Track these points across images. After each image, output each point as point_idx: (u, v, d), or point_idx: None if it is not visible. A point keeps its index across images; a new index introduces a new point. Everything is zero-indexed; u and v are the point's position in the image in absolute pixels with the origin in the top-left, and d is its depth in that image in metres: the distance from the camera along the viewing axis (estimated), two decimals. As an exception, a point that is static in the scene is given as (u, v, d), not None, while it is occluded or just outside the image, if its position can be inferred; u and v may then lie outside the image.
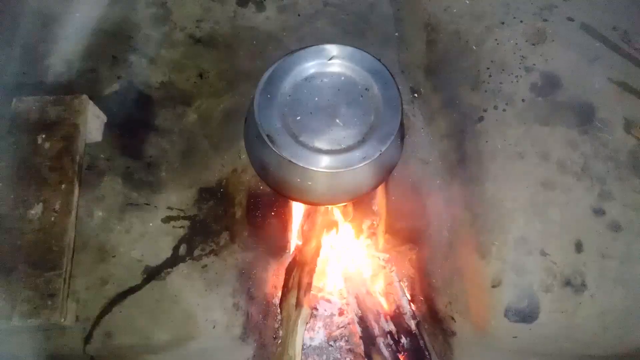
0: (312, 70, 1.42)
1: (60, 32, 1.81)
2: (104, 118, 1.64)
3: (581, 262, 1.39)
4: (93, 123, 1.59)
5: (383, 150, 1.32)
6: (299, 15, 1.92)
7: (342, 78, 1.43)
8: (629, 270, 1.39)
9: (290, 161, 1.31)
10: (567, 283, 1.37)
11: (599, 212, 1.44)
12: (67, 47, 1.78)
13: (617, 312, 1.39)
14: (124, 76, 1.74)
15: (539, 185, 1.46)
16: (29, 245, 1.35)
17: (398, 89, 1.41)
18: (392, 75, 1.43)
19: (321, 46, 1.43)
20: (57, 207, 1.39)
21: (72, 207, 1.41)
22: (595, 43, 1.68)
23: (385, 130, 1.35)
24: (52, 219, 1.38)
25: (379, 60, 1.45)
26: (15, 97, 1.53)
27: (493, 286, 1.38)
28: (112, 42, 1.80)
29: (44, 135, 1.48)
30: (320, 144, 1.34)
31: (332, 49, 1.43)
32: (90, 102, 1.56)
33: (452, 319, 1.51)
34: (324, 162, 1.31)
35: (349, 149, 1.33)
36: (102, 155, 1.61)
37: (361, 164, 1.32)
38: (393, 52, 1.88)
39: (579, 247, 1.40)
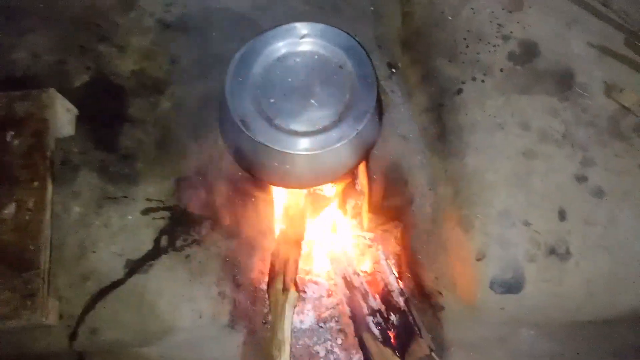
0: (283, 50, 1.39)
1: (24, 24, 1.75)
2: (75, 111, 1.60)
3: (565, 230, 1.38)
4: (64, 117, 1.54)
5: (360, 128, 1.30)
6: (270, -7, 1.86)
7: (315, 57, 1.39)
8: (613, 236, 1.39)
9: (266, 145, 1.29)
10: (552, 252, 1.37)
11: (581, 178, 1.43)
12: (32, 40, 1.72)
13: (603, 277, 1.39)
14: (93, 67, 1.69)
15: (520, 155, 1.45)
16: (5, 246, 1.31)
17: (372, 65, 1.38)
18: (366, 52, 1.40)
19: (292, 25, 1.40)
20: (30, 205, 1.36)
21: (47, 204, 1.37)
22: (572, 7, 1.66)
23: (361, 108, 1.33)
24: (27, 217, 1.35)
25: (352, 36, 1.42)
26: (-21, 94, 1.48)
27: (478, 259, 1.38)
28: (79, 32, 1.74)
29: (12, 133, 1.43)
30: (296, 126, 1.31)
31: (303, 27, 1.40)
32: (59, 95, 1.52)
33: (440, 293, 1.51)
34: (300, 145, 1.29)
35: (325, 129, 1.31)
36: (75, 150, 1.57)
37: (339, 144, 1.29)
38: (369, 27, 1.84)
39: (562, 215, 1.40)
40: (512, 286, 1.35)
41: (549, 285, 1.36)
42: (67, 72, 1.67)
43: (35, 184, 1.38)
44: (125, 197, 1.51)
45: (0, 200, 1.35)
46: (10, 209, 1.35)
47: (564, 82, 1.55)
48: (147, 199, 1.52)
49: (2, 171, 1.39)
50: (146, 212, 1.51)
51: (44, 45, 1.71)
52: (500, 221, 1.39)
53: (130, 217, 1.49)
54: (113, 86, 1.67)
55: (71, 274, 1.42)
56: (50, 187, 1.40)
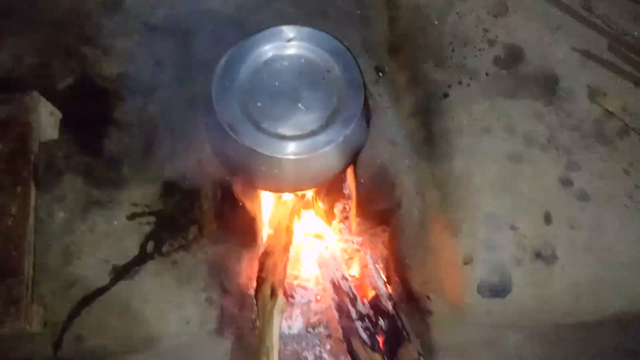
0: (270, 54, 1.38)
1: (7, 26, 1.72)
2: (58, 114, 1.57)
3: (551, 233, 1.39)
4: (47, 120, 1.52)
5: (347, 133, 1.30)
6: (257, -4, 1.85)
7: (302, 60, 1.39)
8: (598, 239, 1.41)
9: (253, 149, 1.28)
10: (538, 255, 1.38)
11: (566, 182, 1.44)
12: (15, 42, 1.69)
13: (589, 281, 1.40)
14: (77, 69, 1.67)
15: (506, 159, 1.46)
16: (-14, 253, 1.29)
17: (360, 69, 1.39)
18: (353, 56, 1.40)
19: (279, 28, 1.39)
20: (13, 211, 1.33)
21: (30, 210, 1.35)
22: (556, 12, 1.67)
23: (348, 113, 1.33)
24: (10, 223, 1.32)
25: (339, 40, 1.42)
26: (-40, 98, 1.45)
27: (465, 263, 1.38)
28: (63, 34, 1.72)
29: (-6, 137, 1.41)
30: (283, 130, 1.31)
31: (290, 30, 1.40)
32: (42, 98, 1.49)
33: (428, 298, 1.51)
34: (288, 149, 1.29)
35: (312, 133, 1.30)
36: (59, 154, 1.54)
37: (326, 148, 1.29)
38: (356, 31, 1.83)
39: (548, 218, 1.41)
40: (499, 290, 1.36)
41: (535, 289, 1.37)
42: (51, 75, 1.65)
43: (19, 189, 1.36)
44: (111, 201, 1.49)
45: (-19, 206, 1.33)
46: (-8, 215, 1.33)
47: (548, 86, 1.56)
48: (133, 204, 1.50)
49: (-17, 176, 1.36)
50: (132, 217, 1.49)
51: (27, 47, 1.68)
52: (487, 225, 1.40)
53: (115, 222, 1.47)
54: (98, 89, 1.64)
55: (56, 280, 1.40)
56: (33, 193, 1.38)
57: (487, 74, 1.56)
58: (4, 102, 1.44)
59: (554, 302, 1.41)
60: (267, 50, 1.38)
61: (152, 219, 1.49)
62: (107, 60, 1.69)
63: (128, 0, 1.79)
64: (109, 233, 1.46)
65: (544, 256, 1.38)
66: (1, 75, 1.63)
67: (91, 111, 1.61)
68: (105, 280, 1.41)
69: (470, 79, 1.55)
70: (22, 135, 1.41)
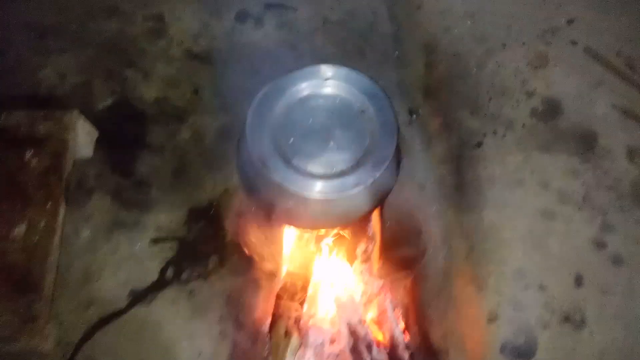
0: (306, 92, 1.38)
1: (55, 44, 1.78)
2: (95, 133, 1.61)
3: (581, 297, 1.34)
4: (84, 139, 1.55)
5: (377, 176, 1.28)
6: (297, 32, 1.89)
7: (337, 100, 1.39)
8: (630, 307, 1.35)
9: (281, 185, 1.27)
10: (566, 319, 1.32)
11: (600, 244, 1.39)
12: (61, 60, 1.75)
13: (618, 350, 1.33)
14: (118, 91, 1.71)
15: (539, 214, 1.42)
16: (11, 266, 1.31)
17: (394, 112, 1.37)
18: (388, 98, 1.39)
19: (316, 66, 1.40)
20: (41, 226, 1.35)
21: (57, 227, 1.37)
22: (598, 68, 1.65)
23: (380, 155, 1.31)
24: (36, 239, 1.34)
25: (376, 82, 1.42)
26: (4, 111, 1.49)
27: (489, 320, 1.34)
28: (107, 56, 1.78)
29: (32, 151, 1.44)
30: (313, 167, 1.30)
31: (328, 69, 1.40)
32: (82, 117, 1.53)
33: (447, 352, 1.46)
34: (316, 188, 1.27)
35: (342, 173, 1.29)
36: (92, 172, 1.57)
37: (355, 190, 1.27)
38: (392, 72, 1.84)
39: (578, 281, 1.35)
40: (523, 352, 1.30)
41: (561, 354, 1.31)
42: (92, 94, 1.70)
43: (49, 205, 1.38)
44: (136, 224, 1.51)
45: (11, 219, 1.35)
46: (21, 229, 1.35)
47: (586, 142, 1.53)
48: (158, 228, 1.51)
49: (17, 190, 1.39)
50: (155, 241, 1.49)
51: (72, 66, 1.74)
52: (515, 282, 1.35)
53: (138, 245, 1.48)
54: (135, 111, 1.68)
55: (74, 299, 1.40)
56: (62, 210, 1.40)
57: (523, 126, 1.54)
58: (45, 118, 1.48)
59: (581, 369, 1.34)
60: (304, 87, 1.38)
61: (174, 244, 1.50)
62: (147, 84, 1.73)
63: (173, 28, 1.85)
64: (130, 255, 1.46)
65: (572, 320, 1.32)
66: (44, 91, 1.68)
67: (126, 133, 1.65)
68: (122, 303, 1.41)
69: (506, 129, 1.53)
70: (57, 153, 1.44)
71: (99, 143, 1.62)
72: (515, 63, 1.65)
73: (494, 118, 1.56)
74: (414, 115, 1.75)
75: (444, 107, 1.66)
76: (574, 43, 1.69)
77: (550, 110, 1.58)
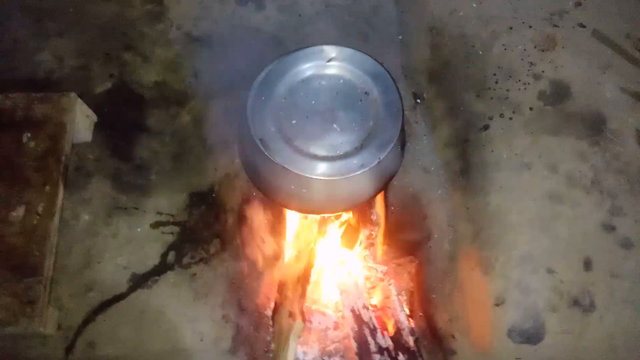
0: (309, 72, 1.36)
1: (52, 27, 1.75)
2: (94, 117, 1.58)
3: (590, 281, 1.31)
4: (82, 122, 1.52)
5: (382, 158, 1.26)
6: (299, 15, 1.85)
7: (341, 81, 1.36)
8: (640, 291, 1.32)
9: (283, 167, 1.25)
10: (575, 303, 1.30)
11: (609, 228, 1.37)
12: (59, 44, 1.72)
13: (628, 333, 1.32)
14: (116, 74, 1.68)
15: (546, 198, 1.39)
16: (9, 249, 1.28)
17: (399, 93, 1.35)
18: (393, 79, 1.37)
19: (319, 47, 1.37)
20: (40, 209, 1.33)
21: (56, 210, 1.34)
22: (607, 51, 1.62)
23: (384, 137, 1.29)
24: (35, 222, 1.32)
25: (380, 63, 1.39)
26: (1, 94, 1.47)
27: (496, 304, 1.31)
28: (105, 39, 1.74)
29: (29, 134, 1.41)
30: (316, 149, 1.27)
31: (331, 50, 1.37)
32: (79, 100, 1.50)
33: (453, 337, 1.44)
34: (319, 169, 1.25)
35: (346, 155, 1.27)
36: (90, 156, 1.55)
37: (359, 172, 1.25)
38: (396, 55, 1.82)
39: (587, 264, 1.33)
40: (531, 336, 1.28)
41: (569, 338, 1.29)
42: (90, 78, 1.67)
43: (47, 188, 1.35)
44: (136, 208, 1.48)
45: (9, 202, 1.33)
46: (19, 212, 1.32)
47: (595, 126, 1.50)
48: (158, 212, 1.49)
49: (14, 172, 1.37)
50: (156, 225, 1.47)
51: (70, 49, 1.71)
52: (522, 266, 1.33)
53: (139, 229, 1.46)
54: (134, 95, 1.65)
55: (74, 283, 1.38)
56: (61, 193, 1.37)
57: (530, 109, 1.50)
58: (42, 100, 1.46)
59: (589, 353, 1.32)
60: (307, 68, 1.36)
61: (175, 228, 1.48)
62: (146, 68, 1.70)
63: (172, 11, 1.81)
64: (131, 239, 1.44)
65: (581, 304, 1.30)
66: (42, 74, 1.65)
67: (126, 116, 1.62)
68: (123, 287, 1.39)
69: (513, 112, 1.50)
70: (55, 135, 1.41)
71: (98, 127, 1.59)
72: (522, 46, 1.61)
73: (501, 101, 1.53)
74: (419, 99, 1.72)
75: (450, 90, 1.63)
76: (582, 26, 1.66)
77: (559, 93, 1.55)
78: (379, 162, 1.26)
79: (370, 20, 1.88)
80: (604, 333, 1.30)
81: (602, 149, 1.46)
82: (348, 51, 1.38)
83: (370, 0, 1.92)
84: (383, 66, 1.40)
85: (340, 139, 1.29)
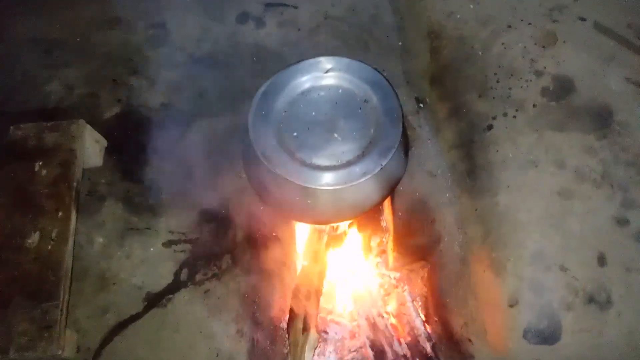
0: (307, 84, 1.38)
1: (61, 57, 1.81)
2: (104, 142, 1.63)
3: (605, 276, 1.28)
4: (92, 148, 1.56)
5: (384, 164, 1.26)
6: (299, 29, 1.88)
7: (340, 90, 1.38)
8: (658, 284, 1.29)
9: (287, 179, 1.26)
10: (591, 300, 1.27)
11: (622, 221, 1.34)
12: (67, 73, 1.78)
13: (647, 329, 1.28)
14: (124, 99, 1.73)
15: (555, 195, 1.37)
16: (26, 276, 1.32)
17: (398, 99, 1.35)
18: (391, 86, 1.37)
19: (316, 59, 1.39)
20: (54, 235, 1.36)
21: (69, 235, 1.37)
22: (609, 42, 1.59)
23: (386, 144, 1.29)
24: (49, 247, 1.35)
25: (378, 70, 1.40)
26: (13, 125, 1.51)
27: (510, 305, 1.29)
28: (112, 66, 1.80)
29: (41, 162, 1.46)
30: (318, 160, 1.28)
31: (328, 61, 1.39)
32: (88, 126, 1.54)
33: (469, 341, 1.42)
34: (323, 179, 1.26)
35: (348, 164, 1.27)
36: (102, 180, 1.59)
37: (362, 179, 1.25)
38: (397, 62, 1.82)
39: (601, 260, 1.30)
40: (547, 336, 1.25)
41: (587, 336, 1.26)
42: (99, 104, 1.72)
43: (60, 214, 1.39)
44: (149, 228, 1.51)
45: (24, 229, 1.37)
46: (34, 239, 1.36)
47: (601, 119, 1.47)
48: (170, 231, 1.51)
49: (28, 200, 1.40)
50: (168, 244, 1.50)
51: (78, 78, 1.76)
52: (534, 264, 1.30)
53: (152, 249, 1.48)
54: (142, 118, 1.70)
55: (91, 305, 1.41)
56: (74, 218, 1.41)
57: (534, 106, 1.49)
58: (52, 129, 1.50)
59: (608, 351, 1.28)
60: (305, 80, 1.37)
61: (187, 246, 1.50)
62: (152, 91, 1.74)
63: (175, 34, 1.86)
64: (144, 260, 1.47)
65: (597, 301, 1.27)
66: (52, 104, 1.70)
67: (134, 139, 1.65)
68: (139, 307, 1.41)
69: (517, 110, 1.49)
70: (66, 162, 1.45)
71: (109, 151, 1.63)
72: (522, 43, 1.60)
73: (503, 100, 1.52)
74: (422, 104, 1.72)
75: (452, 93, 1.63)
76: (582, 19, 1.64)
77: (562, 88, 1.53)
78: (381, 168, 1.26)
79: (369, 29, 1.90)
80: (623, 329, 1.27)
81: (610, 141, 1.44)
82: (345, 61, 1.40)
83: (368, 10, 1.94)
84: (381, 73, 1.40)
85: (342, 148, 1.30)
